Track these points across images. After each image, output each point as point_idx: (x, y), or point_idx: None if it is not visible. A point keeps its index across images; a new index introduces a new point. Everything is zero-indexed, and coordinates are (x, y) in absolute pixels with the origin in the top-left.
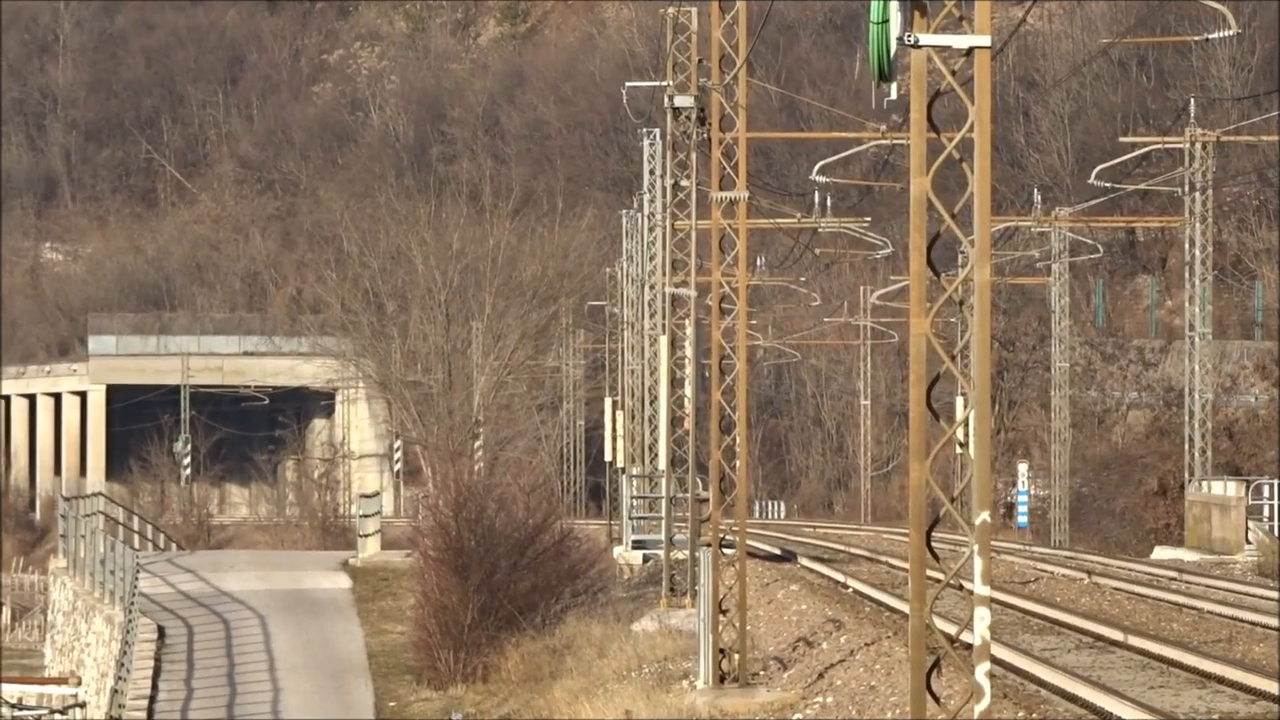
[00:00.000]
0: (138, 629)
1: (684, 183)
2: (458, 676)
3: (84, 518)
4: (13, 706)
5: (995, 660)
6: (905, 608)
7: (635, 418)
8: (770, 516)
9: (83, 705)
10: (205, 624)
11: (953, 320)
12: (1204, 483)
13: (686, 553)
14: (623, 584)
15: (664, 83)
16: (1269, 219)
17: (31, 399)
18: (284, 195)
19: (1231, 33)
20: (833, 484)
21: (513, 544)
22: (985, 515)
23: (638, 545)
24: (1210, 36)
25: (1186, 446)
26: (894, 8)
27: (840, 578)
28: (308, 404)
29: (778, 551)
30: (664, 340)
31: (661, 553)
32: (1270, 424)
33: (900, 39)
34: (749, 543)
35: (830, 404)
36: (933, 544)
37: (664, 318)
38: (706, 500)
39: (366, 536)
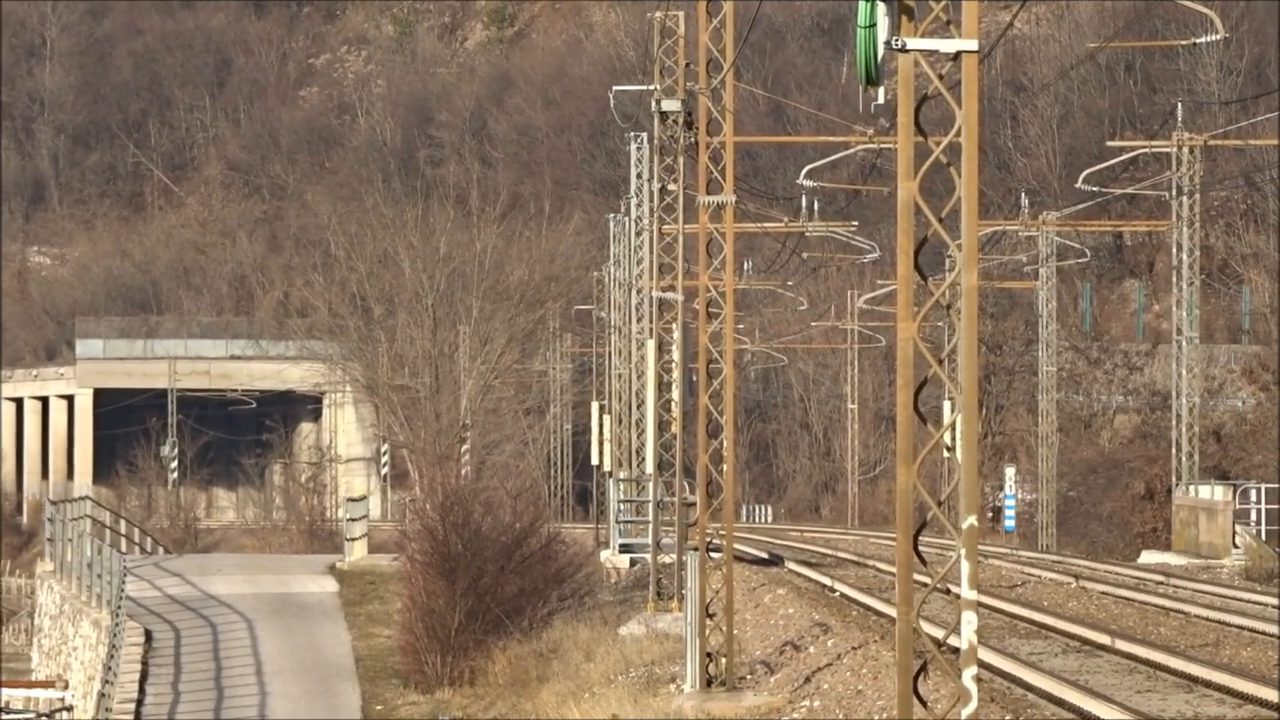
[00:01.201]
0: (125, 633)
1: (671, 187)
2: (445, 680)
3: (71, 521)
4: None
5: (982, 664)
6: (892, 612)
7: (622, 422)
8: (757, 520)
9: (70, 709)
10: (192, 628)
11: (940, 324)
12: (1191, 487)
13: (673, 556)
14: (610, 588)
15: (651, 86)
16: (1256, 223)
17: (19, 403)
18: (271, 199)
19: (1219, 37)
20: (820, 488)
21: (500, 548)
22: (972, 519)
23: (625, 549)
24: (1198, 41)
25: (1173, 450)
26: (881, 12)
27: (827, 581)
28: (295, 408)
29: (765, 555)
30: (651, 344)
31: (648, 556)
32: (1257, 428)
33: (887, 43)
34: (736, 547)
35: (817, 408)
36: (920, 548)
37: (651, 322)
38: (693, 504)
39: (353, 540)
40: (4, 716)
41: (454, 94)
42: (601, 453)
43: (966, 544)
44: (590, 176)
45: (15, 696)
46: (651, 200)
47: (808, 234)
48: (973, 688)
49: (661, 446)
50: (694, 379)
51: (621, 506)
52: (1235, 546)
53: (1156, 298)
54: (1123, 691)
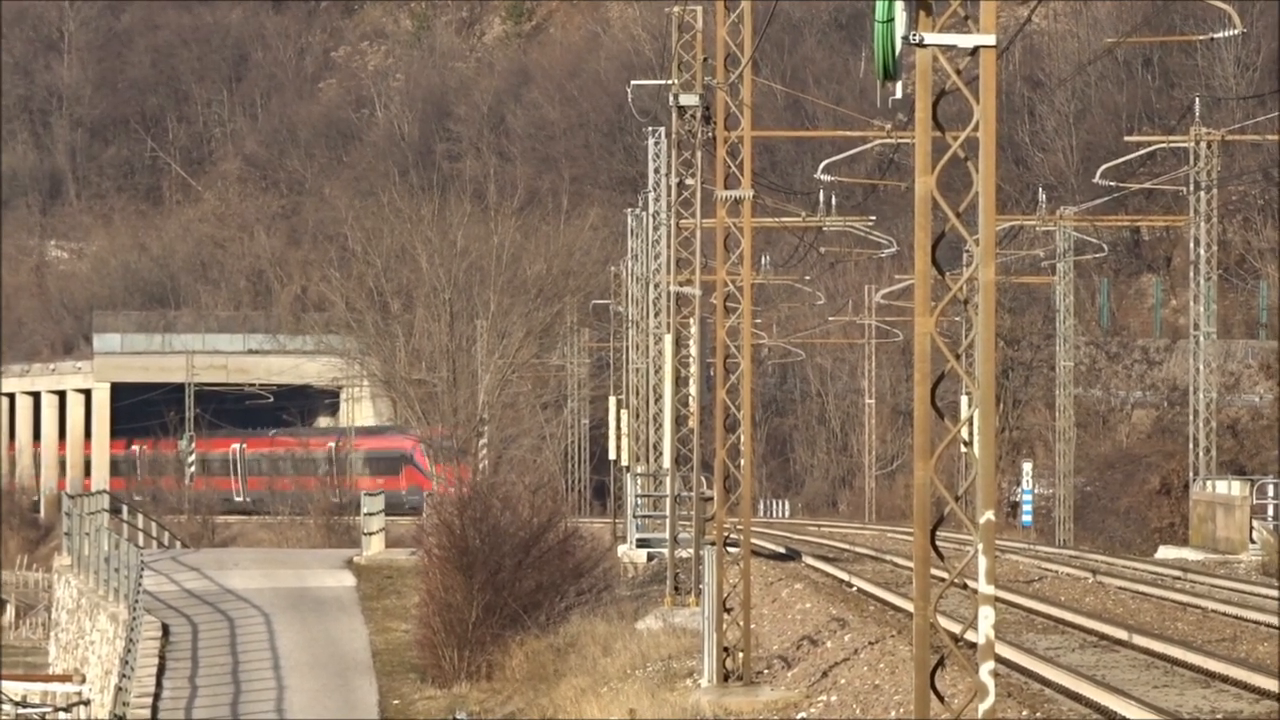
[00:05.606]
0: (142, 627)
1: (689, 181)
2: (462, 675)
3: (88, 515)
4: (17, 704)
5: (999, 659)
6: (909, 606)
7: (640, 416)
8: (775, 515)
9: (87, 703)
10: (210, 622)
11: (957, 319)
12: (1208, 482)
13: (691, 551)
14: (627, 582)
15: (669, 81)
16: (1274, 218)
17: (36, 397)
18: (289, 193)
19: (1236, 32)
20: (837, 483)
21: (517, 542)
22: (990, 514)
23: (642, 544)
24: (1215, 36)
25: (1191, 446)
26: (899, 7)
27: (844, 576)
28: (312, 402)
29: (782, 550)
30: (668, 339)
31: (666, 551)
32: (1274, 423)
33: (905, 38)
34: (753, 541)
35: (835, 403)
36: (937, 543)
37: (669, 316)
38: (711, 499)
39: (371, 535)
40: (22, 710)
41: (472, 88)
42: (619, 447)
43: (984, 539)
44: (608, 171)
45: (32, 690)
46: (669, 195)
47: (825, 229)
48: (990, 683)
49: (679, 441)
50: (711, 374)
51: (639, 501)
52: (1252, 541)
53: (1174, 293)
54: (1140, 686)
